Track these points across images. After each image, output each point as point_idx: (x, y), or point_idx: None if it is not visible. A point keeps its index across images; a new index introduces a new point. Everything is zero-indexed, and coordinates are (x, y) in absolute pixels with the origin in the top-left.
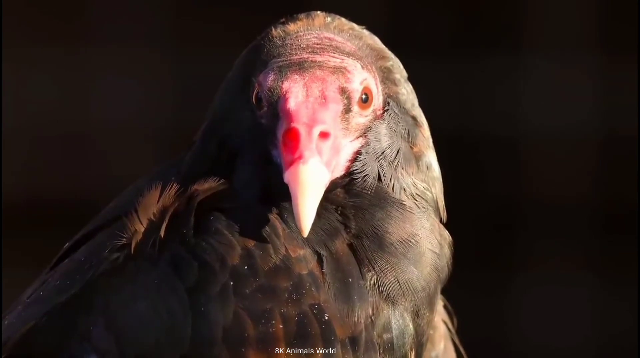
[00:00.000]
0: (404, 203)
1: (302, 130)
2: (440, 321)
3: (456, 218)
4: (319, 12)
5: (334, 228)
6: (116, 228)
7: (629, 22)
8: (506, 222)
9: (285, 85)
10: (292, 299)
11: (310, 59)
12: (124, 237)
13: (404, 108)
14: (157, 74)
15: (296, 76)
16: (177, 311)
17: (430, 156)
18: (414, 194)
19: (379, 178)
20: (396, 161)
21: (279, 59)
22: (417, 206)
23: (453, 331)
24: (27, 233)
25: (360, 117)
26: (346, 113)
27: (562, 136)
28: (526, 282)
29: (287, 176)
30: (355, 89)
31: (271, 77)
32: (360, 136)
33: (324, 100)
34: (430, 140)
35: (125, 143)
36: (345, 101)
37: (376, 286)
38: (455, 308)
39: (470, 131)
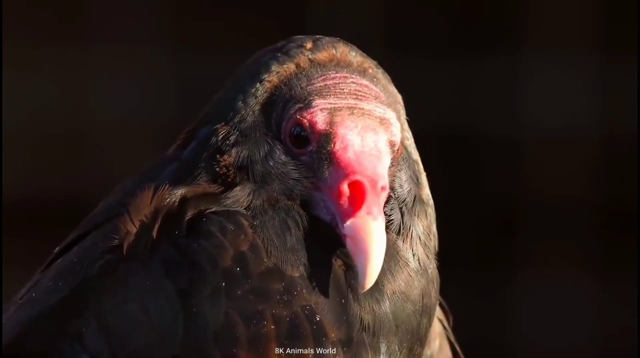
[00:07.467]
0: (408, 263)
1: (368, 184)
2: (435, 319)
3: (456, 218)
4: (340, 42)
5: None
6: (108, 229)
7: (629, 22)
8: (506, 222)
9: (342, 132)
10: (284, 300)
11: (359, 106)
12: (116, 238)
13: (410, 152)
14: (157, 74)
15: (350, 123)
16: (168, 312)
17: (429, 194)
18: (425, 243)
19: (400, 226)
20: (414, 209)
21: (324, 101)
22: (428, 258)
23: (449, 329)
24: (27, 233)
25: (392, 166)
26: (391, 166)
27: (562, 135)
28: (526, 282)
29: (352, 230)
30: (397, 142)
31: (322, 119)
32: None
33: (378, 153)
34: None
35: (125, 143)
36: (392, 154)
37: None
38: (455, 308)
39: (470, 131)
